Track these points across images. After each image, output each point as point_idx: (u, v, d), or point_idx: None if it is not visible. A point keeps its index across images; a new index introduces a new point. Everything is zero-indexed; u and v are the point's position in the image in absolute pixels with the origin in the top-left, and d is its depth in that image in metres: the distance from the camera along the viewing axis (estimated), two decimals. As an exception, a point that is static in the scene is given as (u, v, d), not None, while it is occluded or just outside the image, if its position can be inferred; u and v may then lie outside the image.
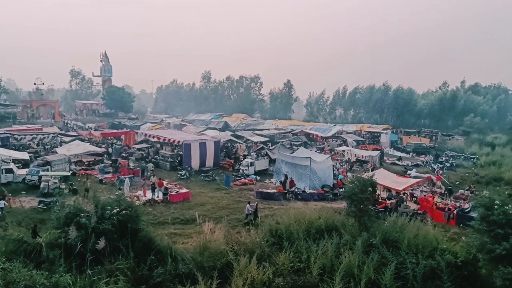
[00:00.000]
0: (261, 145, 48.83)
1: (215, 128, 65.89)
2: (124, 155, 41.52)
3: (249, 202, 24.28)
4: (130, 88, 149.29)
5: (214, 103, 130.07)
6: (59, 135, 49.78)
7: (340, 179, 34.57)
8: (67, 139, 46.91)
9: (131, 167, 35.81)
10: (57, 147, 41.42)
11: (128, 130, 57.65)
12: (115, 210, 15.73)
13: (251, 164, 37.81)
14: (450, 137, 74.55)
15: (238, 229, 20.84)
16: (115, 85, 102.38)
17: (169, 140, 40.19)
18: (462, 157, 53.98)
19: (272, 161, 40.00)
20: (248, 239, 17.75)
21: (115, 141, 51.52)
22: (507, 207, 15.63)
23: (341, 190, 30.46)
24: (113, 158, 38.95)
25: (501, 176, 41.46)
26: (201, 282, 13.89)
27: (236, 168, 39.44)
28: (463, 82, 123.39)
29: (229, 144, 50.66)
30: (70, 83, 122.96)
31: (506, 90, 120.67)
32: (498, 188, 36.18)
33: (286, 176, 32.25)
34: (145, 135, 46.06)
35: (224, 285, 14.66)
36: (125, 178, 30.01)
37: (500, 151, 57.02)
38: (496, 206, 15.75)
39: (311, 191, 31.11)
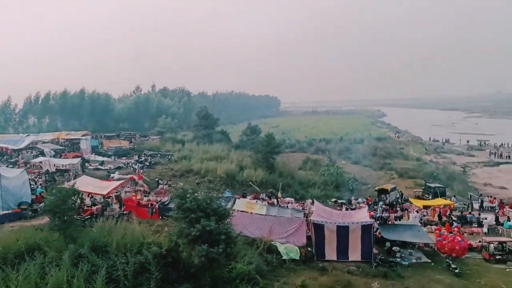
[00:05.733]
0: None
1: None
2: None
3: None
4: None
5: None
6: None
7: (40, 193, 31.66)
8: None
9: None
10: None
11: None
12: None
13: None
14: (147, 138, 79.61)
15: None
16: None
17: None
18: (159, 155, 58.69)
19: None
20: None
21: None
22: (196, 194, 18.16)
23: (41, 205, 27.96)
24: None
25: (191, 168, 47.76)
26: None
27: None
28: (153, 86, 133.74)
29: None
30: None
31: (188, 93, 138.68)
32: (189, 178, 41.50)
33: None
34: None
35: None
36: None
37: (189, 147, 64.79)
38: (188, 195, 18.04)
39: (5, 212, 27.23)
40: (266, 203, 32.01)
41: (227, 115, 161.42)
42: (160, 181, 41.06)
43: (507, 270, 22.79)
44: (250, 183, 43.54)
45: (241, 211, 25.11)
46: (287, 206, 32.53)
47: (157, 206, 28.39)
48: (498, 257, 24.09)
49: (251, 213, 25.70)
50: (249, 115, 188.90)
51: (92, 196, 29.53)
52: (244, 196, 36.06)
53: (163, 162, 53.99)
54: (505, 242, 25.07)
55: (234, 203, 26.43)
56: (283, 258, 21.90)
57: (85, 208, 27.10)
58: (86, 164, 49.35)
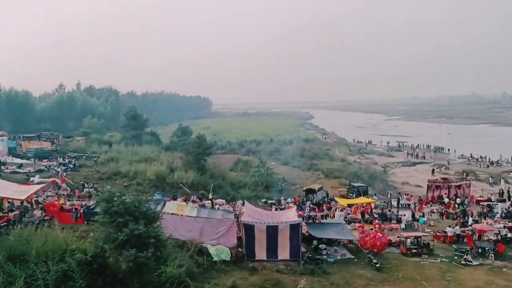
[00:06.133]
0: None
1: None
2: None
3: None
4: None
5: None
6: None
7: None
8: None
9: None
10: None
11: None
12: None
13: None
14: (71, 139, 75.51)
15: None
16: None
17: None
18: (84, 156, 56.04)
19: None
20: None
21: None
22: (124, 197, 17.66)
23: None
24: None
25: (119, 170, 46.20)
26: None
27: None
28: (78, 84, 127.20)
29: None
30: None
31: (116, 92, 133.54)
32: (117, 181, 40.11)
33: None
34: None
35: None
36: None
37: (117, 148, 62.42)
38: (115, 198, 17.47)
39: None
40: (197, 205, 31.90)
41: (157, 116, 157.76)
42: (85, 185, 39.30)
43: (422, 262, 24.73)
44: (181, 185, 43.12)
45: (171, 213, 24.82)
46: (218, 208, 32.67)
47: (82, 211, 27.22)
48: (414, 251, 26.07)
49: (182, 215, 25.48)
50: (180, 116, 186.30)
51: (9, 202, 27.56)
52: (174, 199, 35.65)
53: (89, 164, 51.63)
54: (420, 237, 27.21)
55: (164, 205, 26.11)
56: (214, 259, 22.00)
57: (1, 214, 25.29)
58: (2, 167, 46.00)
